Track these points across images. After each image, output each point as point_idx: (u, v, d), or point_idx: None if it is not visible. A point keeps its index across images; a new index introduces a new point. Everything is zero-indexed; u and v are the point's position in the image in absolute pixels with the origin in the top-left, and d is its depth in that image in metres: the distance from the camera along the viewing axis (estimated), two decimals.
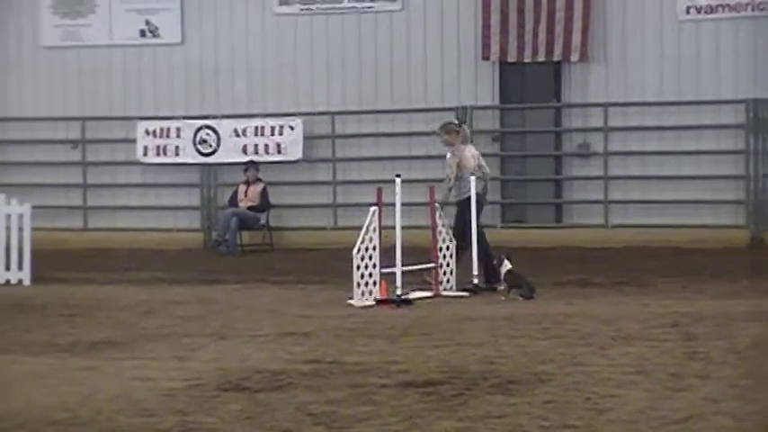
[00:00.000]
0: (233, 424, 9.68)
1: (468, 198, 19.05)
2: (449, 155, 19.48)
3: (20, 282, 20.98)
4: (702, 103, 25.23)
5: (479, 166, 19.71)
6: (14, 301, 18.70)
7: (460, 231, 19.05)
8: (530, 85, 26.62)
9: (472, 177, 19.13)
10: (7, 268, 21.15)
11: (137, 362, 12.97)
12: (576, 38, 25.94)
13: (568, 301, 17.46)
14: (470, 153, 19.65)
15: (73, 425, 9.66)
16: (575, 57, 26.06)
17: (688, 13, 25.70)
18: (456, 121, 20.34)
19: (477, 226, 19.10)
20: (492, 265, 18.79)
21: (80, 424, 9.74)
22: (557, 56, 26.12)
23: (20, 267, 21.16)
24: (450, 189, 19.30)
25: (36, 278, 21.01)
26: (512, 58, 26.31)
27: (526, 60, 26.26)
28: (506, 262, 18.50)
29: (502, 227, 25.37)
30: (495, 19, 26.17)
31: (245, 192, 26.64)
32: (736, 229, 25.16)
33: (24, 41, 28.26)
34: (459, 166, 19.21)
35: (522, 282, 18.32)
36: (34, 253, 21.22)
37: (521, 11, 26.05)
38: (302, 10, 27.28)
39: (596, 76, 26.20)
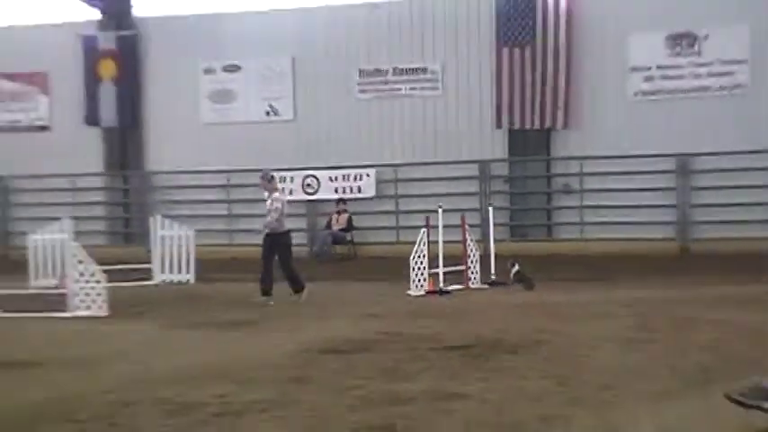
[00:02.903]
0: (330, 375, 9.73)
1: (289, 231, 17.22)
2: (276, 194, 17.19)
3: (188, 281, 21.14)
4: (644, 156, 25.08)
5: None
6: (185, 294, 18.86)
7: (287, 256, 17.04)
8: (529, 144, 26.51)
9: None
10: (179, 272, 21.33)
11: (266, 334, 13.05)
12: (560, 113, 25.87)
13: (557, 292, 17.41)
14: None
15: (225, 376, 9.73)
16: (560, 125, 25.99)
17: (635, 95, 25.62)
18: (272, 173, 17.76)
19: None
20: (294, 275, 17.03)
21: (229, 375, 9.81)
22: (547, 124, 26.04)
23: (187, 271, 21.32)
24: (276, 221, 16.95)
25: (198, 278, 21.16)
26: (517, 126, 26.26)
27: (527, 127, 26.20)
28: (516, 265, 18.49)
29: (511, 241, 25.27)
30: (504, 100, 26.15)
31: (337, 219, 26.71)
32: (669, 242, 25.01)
33: (190, 120, 28.47)
34: (283, 205, 17.14)
35: (525, 278, 18.27)
36: (196, 261, 21.39)
37: (522, 95, 26.02)
38: (374, 96, 27.37)
39: (574, 137, 26.10)
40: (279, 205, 17.00)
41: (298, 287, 17.08)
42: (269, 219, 17.09)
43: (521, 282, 18.22)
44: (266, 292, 16.80)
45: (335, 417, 7.78)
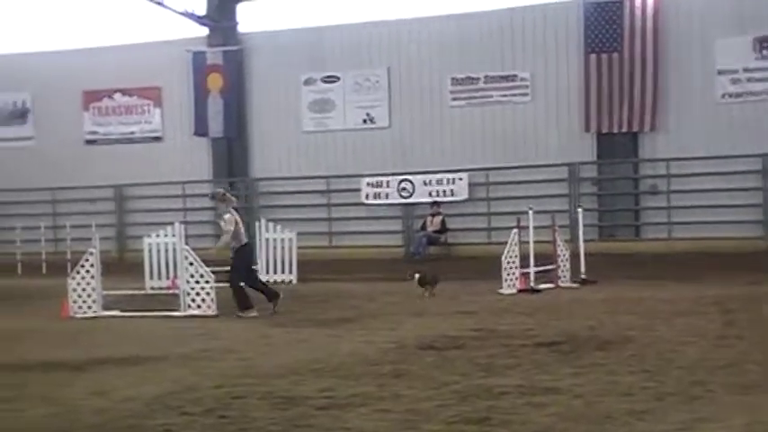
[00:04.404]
0: (427, 370, 9.72)
1: (244, 245, 15.75)
2: (227, 215, 15.58)
3: (290, 281, 21.33)
4: (730, 157, 24.59)
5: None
6: (287, 293, 18.99)
7: (238, 271, 15.68)
8: (617, 146, 26.21)
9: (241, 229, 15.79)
10: (282, 272, 21.53)
11: (363, 331, 13.09)
12: (648, 116, 25.52)
13: (645, 290, 17.16)
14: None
15: (327, 372, 9.79)
16: (647, 128, 25.63)
17: (722, 98, 25.12)
18: (223, 191, 16.47)
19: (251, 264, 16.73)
20: (264, 287, 16.10)
21: (330, 370, 9.86)
22: (635, 127, 25.71)
23: (290, 272, 21.52)
24: (230, 239, 15.56)
25: (300, 278, 21.34)
26: (605, 129, 25.98)
27: (615, 131, 25.90)
28: (417, 274, 17.67)
29: (599, 240, 24.99)
30: (593, 104, 25.89)
31: (431, 221, 26.72)
32: (756, 240, 24.47)
33: (292, 129, 28.69)
34: (236, 222, 15.57)
35: (427, 279, 17.44)
36: (298, 263, 21.56)
37: (610, 99, 25.73)
38: (466, 103, 27.31)
39: (662, 139, 25.72)
40: (231, 227, 15.50)
41: (240, 301, 15.53)
42: (226, 241, 15.63)
43: (425, 285, 17.39)
44: (252, 306, 15.59)
45: (433, 410, 7.77)
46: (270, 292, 15.98)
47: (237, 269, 15.72)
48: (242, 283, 15.61)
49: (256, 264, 15.45)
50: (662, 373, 9.04)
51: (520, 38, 26.82)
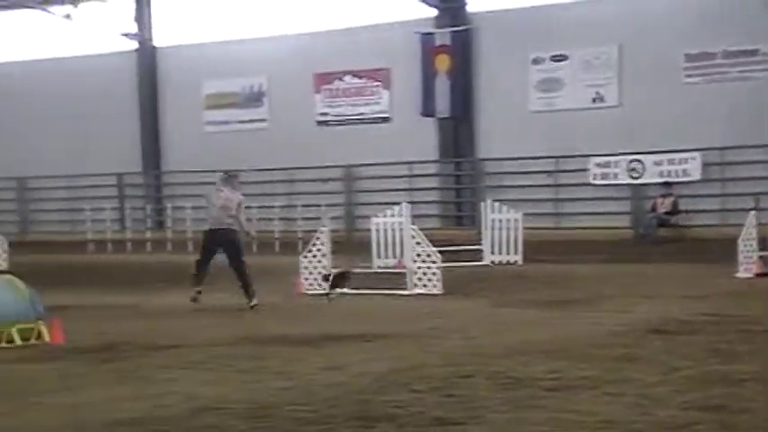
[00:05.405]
0: (658, 354, 9.51)
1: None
2: (242, 197, 15.34)
3: (516, 262, 21.29)
4: None
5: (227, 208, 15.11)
6: (513, 274, 19.03)
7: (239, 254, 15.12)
8: None
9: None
10: (508, 253, 21.52)
11: (591, 313, 12.94)
12: None
13: None
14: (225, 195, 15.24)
15: (555, 353, 9.69)
16: None
17: None
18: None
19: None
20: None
21: (558, 351, 9.75)
22: None
23: (516, 252, 21.48)
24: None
25: (525, 259, 21.26)
26: None
27: None
28: (330, 277, 16.17)
29: None
30: None
31: (662, 202, 26.01)
32: None
33: (518, 109, 28.56)
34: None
35: (339, 280, 16.08)
36: (524, 243, 21.49)
37: None
38: (701, 80, 26.35)
39: None
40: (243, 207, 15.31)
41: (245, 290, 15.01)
42: (237, 218, 15.21)
43: (336, 286, 15.99)
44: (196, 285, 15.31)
45: (665, 396, 7.58)
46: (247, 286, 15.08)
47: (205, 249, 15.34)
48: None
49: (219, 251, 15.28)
50: None
51: (760, 9, 25.56)
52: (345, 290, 16.07)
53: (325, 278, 16.21)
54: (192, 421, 7.16)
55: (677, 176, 26.08)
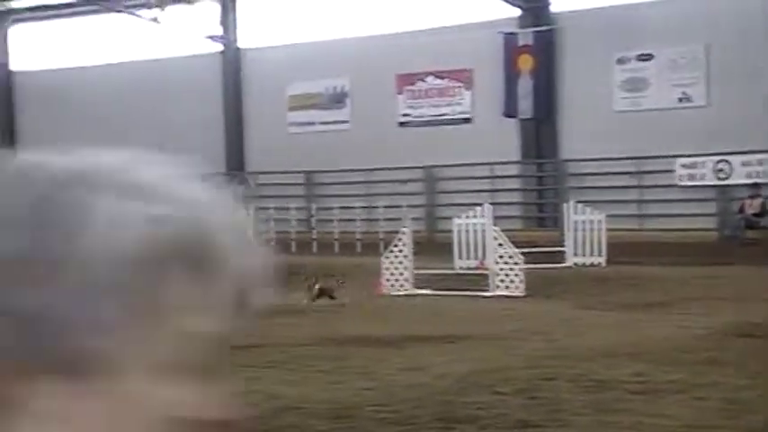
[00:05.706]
0: (745, 359, 9.33)
1: None
2: None
3: (599, 263, 21.07)
4: None
5: None
6: (596, 276, 18.83)
7: None
8: None
9: None
10: (591, 254, 21.31)
11: (676, 315, 12.78)
12: None
13: None
14: None
15: (639, 356, 9.58)
16: None
17: None
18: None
19: None
20: None
21: (642, 354, 9.63)
22: None
23: (599, 254, 21.26)
24: None
25: (609, 261, 21.03)
26: None
27: None
28: (317, 285, 16.12)
29: None
30: None
31: (750, 203, 25.55)
32: None
33: (603, 109, 28.25)
34: None
35: (326, 291, 15.94)
36: (608, 245, 21.26)
37: None
38: None
39: None
40: None
41: None
42: None
43: (320, 296, 15.86)
44: None
45: (753, 401, 7.45)
46: None
47: None
48: None
49: None
50: None
51: None
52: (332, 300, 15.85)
53: (309, 288, 16.00)
54: (273, 421, 7.22)
55: (766, 177, 25.57)
